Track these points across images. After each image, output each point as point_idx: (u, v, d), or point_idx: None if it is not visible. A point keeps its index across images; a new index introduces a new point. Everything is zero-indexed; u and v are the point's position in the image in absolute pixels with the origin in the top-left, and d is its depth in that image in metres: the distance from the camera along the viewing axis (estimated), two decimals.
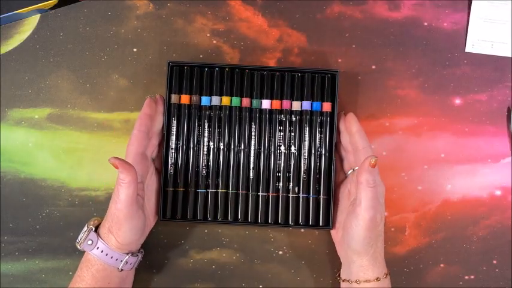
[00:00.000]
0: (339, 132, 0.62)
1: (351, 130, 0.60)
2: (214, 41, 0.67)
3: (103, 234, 0.58)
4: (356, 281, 0.58)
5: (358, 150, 0.59)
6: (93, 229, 0.58)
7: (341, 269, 0.61)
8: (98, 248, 0.57)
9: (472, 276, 0.65)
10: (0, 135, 0.66)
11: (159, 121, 0.62)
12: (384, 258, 0.58)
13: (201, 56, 0.67)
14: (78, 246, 0.58)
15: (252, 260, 0.66)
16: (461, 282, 0.65)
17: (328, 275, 0.65)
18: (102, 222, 0.59)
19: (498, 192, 0.66)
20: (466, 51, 0.67)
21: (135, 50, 0.67)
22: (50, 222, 0.65)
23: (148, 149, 0.61)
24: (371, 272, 0.57)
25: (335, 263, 0.65)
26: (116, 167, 0.55)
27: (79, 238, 0.58)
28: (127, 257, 0.58)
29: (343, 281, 0.60)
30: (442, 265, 0.66)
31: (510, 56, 0.67)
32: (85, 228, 0.59)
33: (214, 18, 0.67)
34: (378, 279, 0.57)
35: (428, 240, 0.66)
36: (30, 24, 0.67)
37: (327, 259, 0.65)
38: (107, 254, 0.57)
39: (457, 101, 0.67)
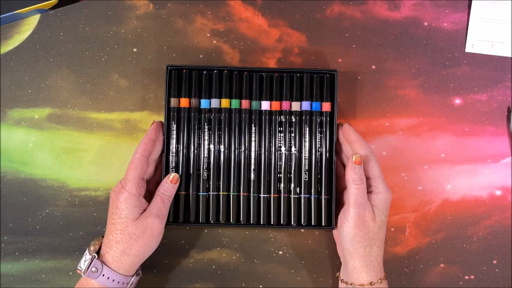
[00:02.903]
0: (340, 143, 0.62)
1: (350, 140, 0.60)
2: (214, 41, 0.67)
3: (112, 258, 0.57)
4: (351, 284, 0.58)
5: (365, 159, 0.60)
6: (96, 256, 0.57)
7: (341, 269, 0.62)
8: (103, 275, 0.56)
9: (472, 276, 0.65)
10: (0, 135, 0.66)
11: (158, 149, 0.61)
12: (381, 264, 0.58)
13: (201, 56, 0.67)
14: (82, 274, 0.57)
15: (252, 260, 0.66)
16: (461, 282, 0.65)
17: (328, 275, 0.65)
18: (107, 248, 0.57)
19: (498, 192, 0.66)
20: (466, 51, 0.67)
21: (135, 50, 0.67)
22: (50, 222, 0.65)
23: (145, 174, 0.61)
24: (365, 275, 0.57)
25: (335, 263, 0.65)
26: (175, 182, 0.59)
27: (81, 266, 0.57)
28: (132, 278, 0.58)
29: (341, 280, 0.60)
30: (442, 265, 0.66)
31: (510, 56, 0.67)
32: (87, 256, 0.57)
33: (214, 18, 0.67)
34: (371, 283, 0.57)
35: (428, 240, 0.66)
36: (30, 24, 0.67)
37: (327, 259, 0.65)
38: (113, 280, 0.56)
39: (457, 101, 0.67)
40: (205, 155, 0.62)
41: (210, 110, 0.63)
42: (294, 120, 0.63)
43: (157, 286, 0.65)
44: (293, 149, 0.63)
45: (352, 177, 0.57)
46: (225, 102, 0.63)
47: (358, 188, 0.57)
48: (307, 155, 0.63)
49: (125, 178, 0.58)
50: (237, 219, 0.62)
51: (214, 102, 0.63)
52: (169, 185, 0.59)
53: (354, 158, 0.57)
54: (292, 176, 0.63)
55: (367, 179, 0.59)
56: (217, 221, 0.62)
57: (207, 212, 0.62)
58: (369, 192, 0.59)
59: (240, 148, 0.63)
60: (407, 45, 0.67)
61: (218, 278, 0.65)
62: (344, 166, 0.63)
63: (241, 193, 0.62)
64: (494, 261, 0.66)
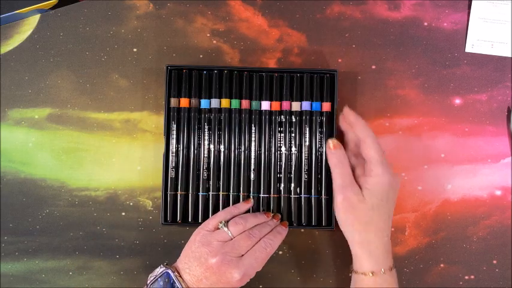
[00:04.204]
0: (342, 134, 0.62)
1: (350, 121, 0.59)
2: (214, 41, 0.67)
3: None
4: (356, 272, 0.57)
5: (362, 142, 0.58)
6: None
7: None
8: None
9: (472, 276, 0.65)
10: (0, 135, 0.66)
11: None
12: (385, 255, 0.57)
13: (201, 56, 0.67)
14: None
15: None
16: (461, 282, 0.65)
17: (328, 275, 0.65)
18: None
19: (498, 192, 0.66)
20: (466, 51, 0.67)
21: (135, 50, 0.67)
22: (50, 222, 0.65)
23: None
24: (366, 263, 0.56)
25: (335, 263, 0.65)
26: None
27: None
28: None
29: (351, 270, 0.59)
30: (442, 265, 0.66)
31: (510, 56, 0.67)
32: None
33: (214, 18, 0.67)
34: (373, 273, 0.56)
35: (428, 240, 0.66)
36: (30, 24, 0.67)
37: (327, 259, 0.65)
38: None
39: (457, 101, 0.67)
40: (205, 155, 0.62)
41: (210, 110, 0.63)
42: (294, 120, 0.63)
43: None
44: (293, 149, 0.63)
45: (333, 162, 0.58)
46: (225, 102, 0.63)
47: (340, 172, 0.57)
48: (307, 155, 0.63)
49: (250, 267, 0.56)
50: None
51: (214, 102, 0.63)
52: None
53: (330, 143, 0.58)
54: (293, 176, 0.63)
55: (366, 162, 0.58)
56: None
57: (206, 212, 0.62)
58: (366, 175, 0.58)
59: (240, 148, 0.63)
60: (407, 45, 0.67)
61: None
62: (355, 157, 0.61)
63: (241, 193, 0.62)
64: (494, 261, 0.66)
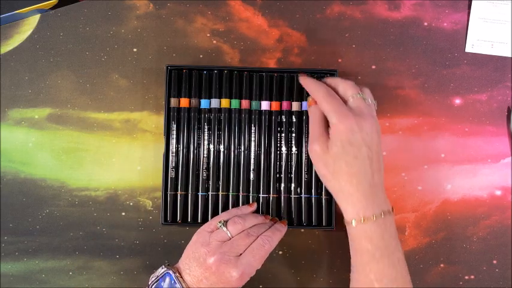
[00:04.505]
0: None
1: (304, 86, 0.60)
2: (214, 41, 0.67)
3: None
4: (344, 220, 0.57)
5: (317, 101, 0.59)
6: None
7: None
8: None
9: (472, 276, 0.65)
10: (0, 135, 0.66)
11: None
12: (363, 202, 0.54)
13: (201, 56, 0.67)
14: None
15: None
16: (461, 282, 0.65)
17: (328, 275, 0.65)
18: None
19: (498, 192, 0.66)
20: (466, 51, 0.67)
21: (135, 50, 0.67)
22: (50, 222, 0.65)
23: None
24: (346, 213, 0.56)
25: (335, 263, 0.65)
26: None
27: None
28: None
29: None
30: (442, 265, 0.66)
31: (510, 56, 0.67)
32: None
33: (214, 18, 0.67)
34: (353, 220, 0.55)
35: (428, 240, 0.66)
36: (30, 24, 0.67)
37: (327, 259, 0.65)
38: None
39: (457, 101, 0.67)
40: (205, 155, 0.62)
41: (210, 110, 0.63)
42: (294, 120, 0.63)
43: None
44: (293, 149, 0.63)
45: (309, 118, 0.59)
46: (225, 102, 0.63)
47: (310, 127, 0.58)
48: (307, 155, 0.63)
49: (248, 265, 0.56)
50: None
51: (214, 102, 0.63)
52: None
53: (308, 100, 0.59)
54: (293, 176, 0.63)
55: None
56: None
57: (205, 212, 0.62)
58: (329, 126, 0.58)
59: (239, 148, 0.63)
60: (407, 45, 0.67)
61: None
62: None
63: (241, 193, 0.62)
64: (494, 261, 0.66)
